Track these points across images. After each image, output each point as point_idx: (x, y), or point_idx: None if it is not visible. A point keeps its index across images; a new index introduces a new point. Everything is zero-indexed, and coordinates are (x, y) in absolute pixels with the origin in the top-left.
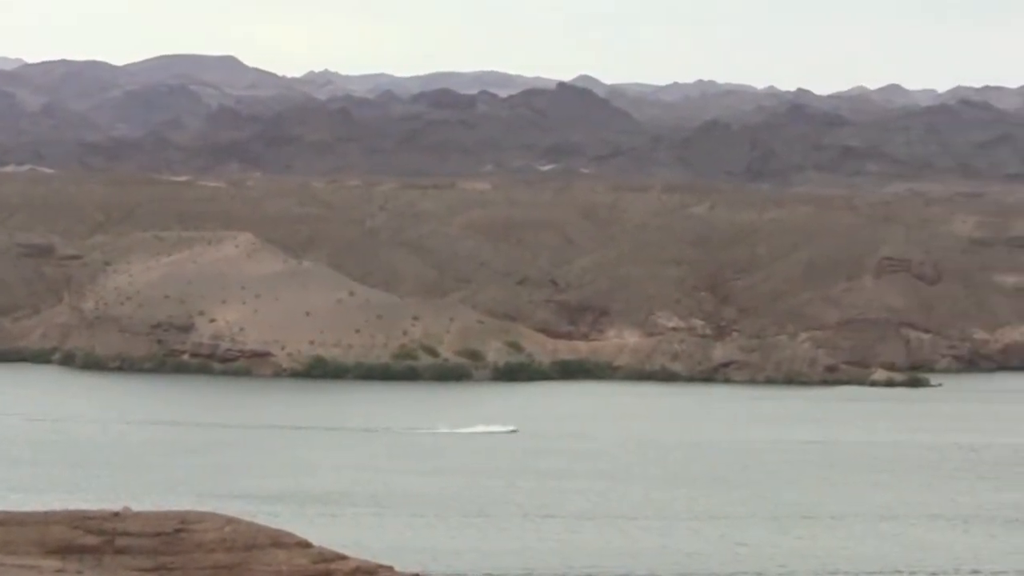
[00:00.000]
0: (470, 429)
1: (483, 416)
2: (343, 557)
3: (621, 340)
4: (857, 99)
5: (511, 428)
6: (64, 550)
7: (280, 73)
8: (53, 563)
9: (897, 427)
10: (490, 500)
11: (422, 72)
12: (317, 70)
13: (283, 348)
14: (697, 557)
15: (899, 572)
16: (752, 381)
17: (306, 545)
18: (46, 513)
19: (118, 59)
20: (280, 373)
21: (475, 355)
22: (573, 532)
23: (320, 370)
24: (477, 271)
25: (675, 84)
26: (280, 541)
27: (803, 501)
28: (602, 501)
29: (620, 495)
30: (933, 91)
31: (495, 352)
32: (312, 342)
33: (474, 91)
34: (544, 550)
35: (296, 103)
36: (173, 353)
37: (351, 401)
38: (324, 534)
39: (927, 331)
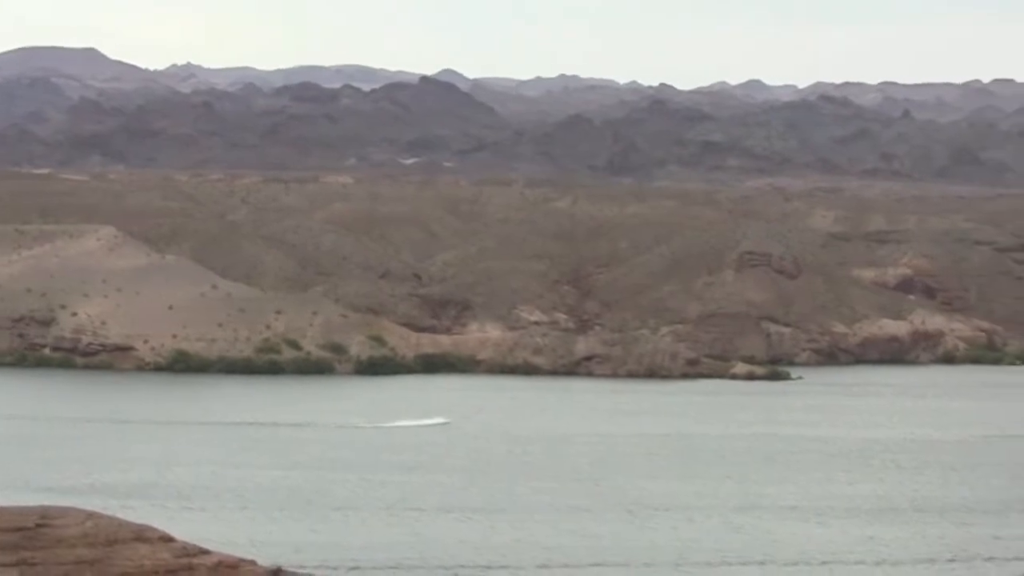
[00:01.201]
0: (399, 423)
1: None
2: (206, 551)
3: (484, 334)
4: (718, 94)
5: (442, 420)
6: None
7: (143, 66)
8: None
9: (756, 420)
10: (351, 493)
11: (285, 66)
12: (180, 63)
13: (146, 342)
14: (557, 550)
15: (753, 563)
16: (614, 375)
17: (168, 540)
18: None
19: None
20: (143, 367)
21: (338, 349)
22: (434, 525)
23: (183, 364)
24: (340, 265)
25: (538, 79)
26: (142, 536)
27: (660, 493)
28: (463, 494)
29: (481, 488)
30: (793, 87)
31: (358, 346)
32: (175, 336)
33: (337, 85)
34: (405, 543)
35: (159, 96)
36: (34, 347)
37: (212, 396)
38: (186, 529)
39: (787, 325)
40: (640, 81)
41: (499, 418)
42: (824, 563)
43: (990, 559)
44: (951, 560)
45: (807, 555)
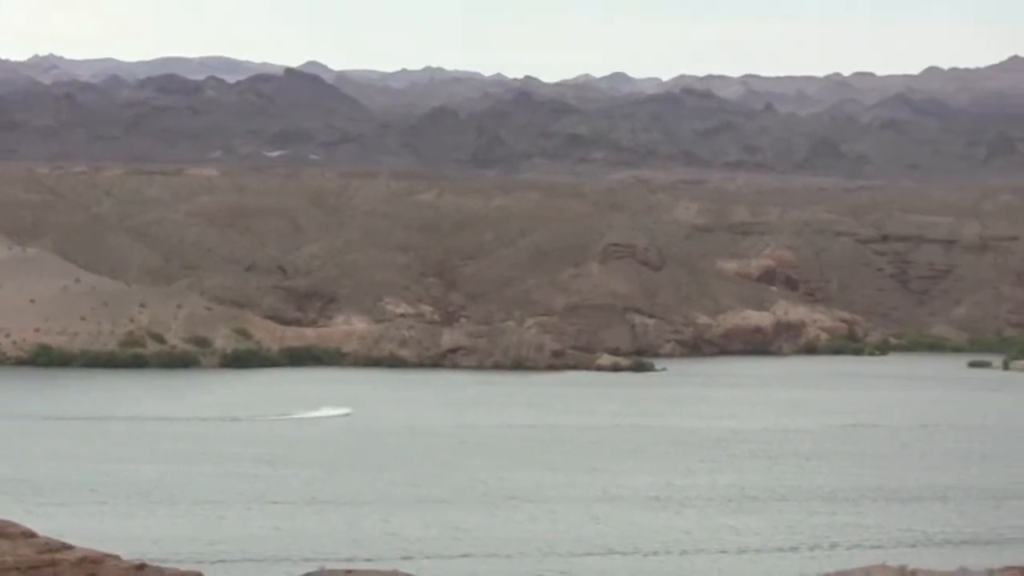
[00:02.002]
0: (311, 414)
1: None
2: (69, 547)
3: (349, 327)
4: (583, 87)
5: (345, 411)
6: None
7: (3, 57)
8: None
9: (620, 411)
10: (216, 487)
11: (149, 57)
12: (42, 54)
13: (7, 336)
14: (422, 542)
15: (616, 553)
16: (480, 366)
17: (31, 535)
18: None
19: None
20: (4, 361)
21: (203, 342)
22: (295, 518)
23: (45, 358)
24: (204, 258)
25: (403, 71)
26: (3, 531)
27: (525, 485)
28: (325, 487)
29: (342, 481)
30: (657, 80)
31: (223, 339)
32: (37, 330)
33: (201, 77)
34: (269, 536)
35: (20, 87)
36: None
37: (75, 390)
38: (48, 525)
39: (652, 316)
40: (505, 74)
41: (366, 411)
42: (685, 552)
43: (851, 547)
44: (812, 548)
45: (669, 544)
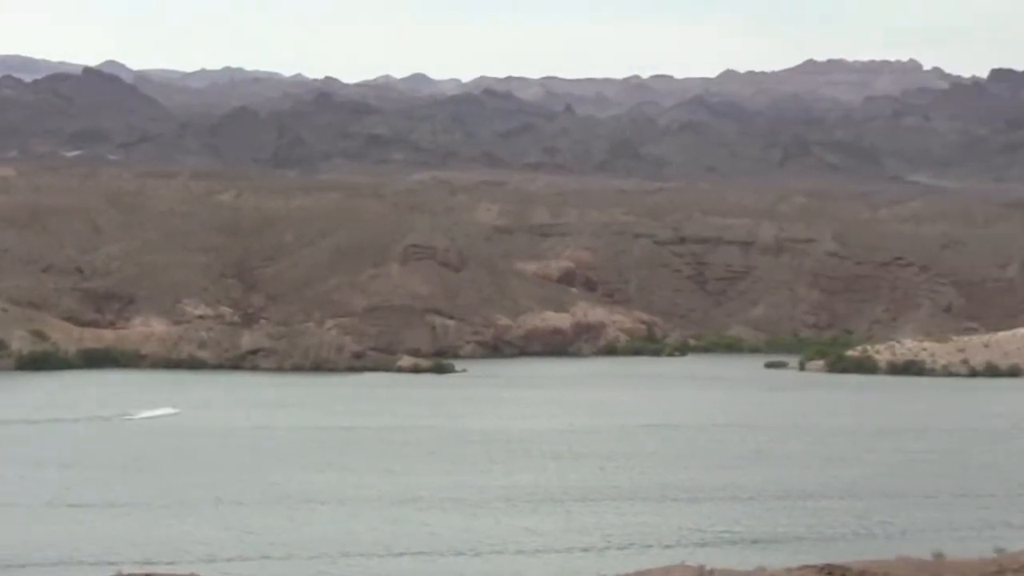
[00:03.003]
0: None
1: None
2: None
3: (148, 328)
4: (384, 88)
5: (172, 411)
6: None
7: None
8: None
9: (420, 413)
10: (7, 490)
11: None
12: None
13: None
14: (220, 544)
15: (411, 555)
16: (280, 368)
17: None
18: None
19: None
20: None
21: None
22: (87, 522)
23: None
24: (0, 258)
25: (203, 70)
26: None
27: (322, 486)
28: (124, 489)
29: (142, 483)
30: (458, 80)
31: (19, 341)
32: None
33: None
34: (64, 540)
35: None
36: None
37: None
38: None
39: (452, 317)
40: (305, 74)
41: (165, 413)
42: (480, 554)
43: (649, 547)
44: (610, 548)
45: (466, 546)
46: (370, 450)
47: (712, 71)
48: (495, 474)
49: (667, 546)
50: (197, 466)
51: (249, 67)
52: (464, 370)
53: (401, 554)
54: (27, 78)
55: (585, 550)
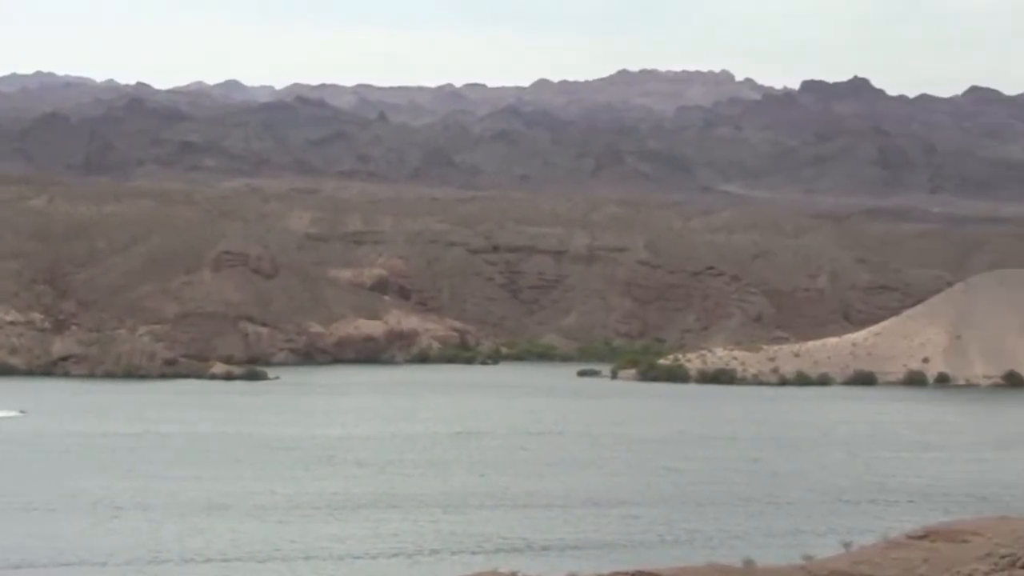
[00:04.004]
0: None
1: None
2: None
3: None
4: (196, 94)
5: (16, 412)
6: None
7: None
8: None
9: (230, 420)
10: None
11: None
12: None
13: None
14: (20, 551)
15: (217, 561)
16: (91, 375)
17: None
18: None
19: None
20: None
21: None
22: None
23: None
24: None
25: (14, 75)
26: None
27: (129, 493)
28: None
29: None
30: (271, 88)
31: None
32: None
33: None
34: None
35: None
36: None
37: None
38: None
39: (265, 325)
40: (117, 79)
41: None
42: (288, 560)
43: (460, 553)
44: (419, 554)
45: (274, 552)
46: (180, 457)
47: (525, 80)
48: (304, 481)
49: (477, 552)
50: (4, 472)
51: (60, 72)
52: (277, 377)
53: (209, 560)
54: None
55: (393, 556)
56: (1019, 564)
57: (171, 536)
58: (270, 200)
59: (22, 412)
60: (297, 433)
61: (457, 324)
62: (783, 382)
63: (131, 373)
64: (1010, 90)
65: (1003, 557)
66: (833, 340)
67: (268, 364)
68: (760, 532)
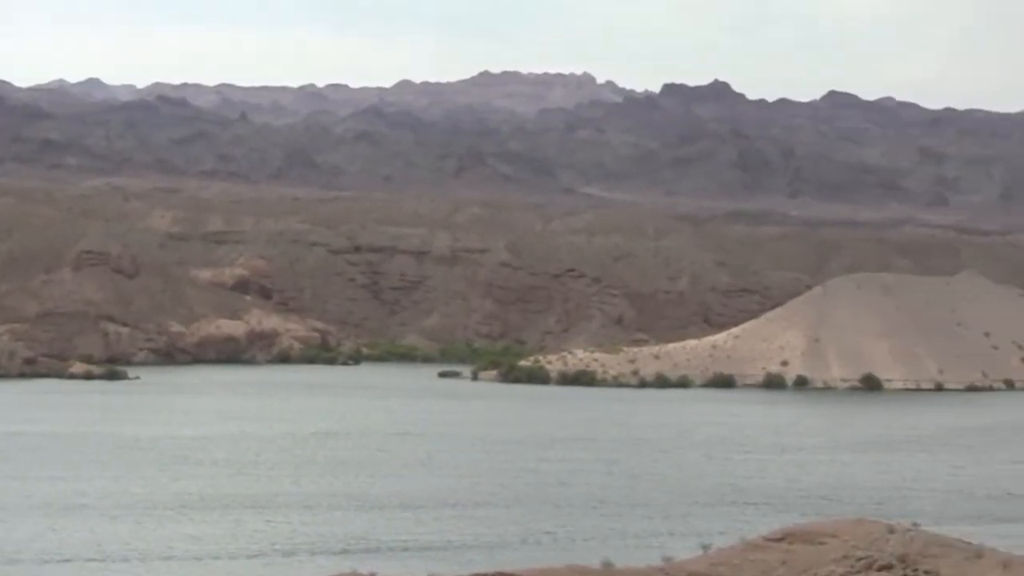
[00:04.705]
0: None
1: None
2: None
3: None
4: (57, 92)
5: None
6: None
7: None
8: None
9: (89, 419)
10: None
11: None
12: None
13: None
14: None
15: (78, 561)
16: None
17: None
18: None
19: None
20: None
21: None
22: None
23: None
24: None
25: None
26: None
27: None
28: None
29: None
30: (132, 87)
31: None
32: None
33: None
34: None
35: None
36: None
37: None
38: None
39: (125, 324)
40: None
41: None
42: (147, 560)
43: (317, 554)
44: (274, 554)
45: (132, 553)
46: (38, 456)
47: (388, 81)
48: (163, 481)
49: (336, 553)
50: None
51: None
52: (137, 377)
53: (68, 560)
54: None
55: (252, 557)
56: (875, 566)
57: (29, 536)
58: (131, 199)
59: None
60: (156, 433)
61: (318, 324)
62: (643, 384)
63: None
64: (867, 95)
65: (859, 559)
66: (693, 342)
67: (128, 364)
68: (618, 533)
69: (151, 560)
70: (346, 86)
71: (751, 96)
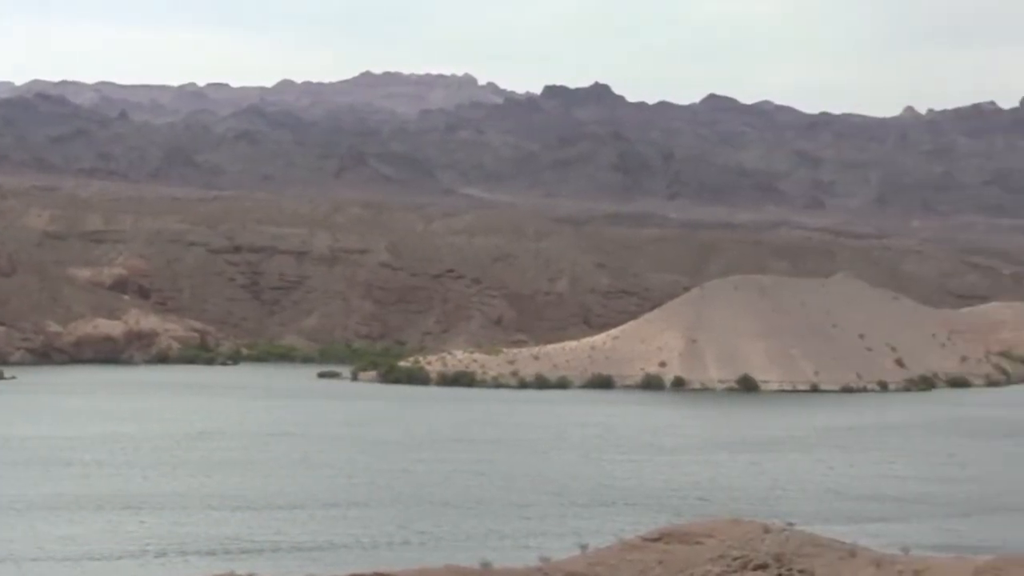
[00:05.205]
0: None
1: None
2: None
3: None
4: None
5: None
6: None
7: None
8: None
9: None
10: None
11: None
12: None
13: None
14: None
15: None
16: None
17: None
18: None
19: None
20: None
21: None
22: None
23: None
24: None
25: None
26: None
27: None
28: None
29: None
30: (10, 84)
31: None
32: None
33: None
34: None
35: None
36: None
37: None
38: None
39: (2, 324)
40: None
41: None
42: (16, 561)
43: (192, 554)
44: (148, 555)
45: (1, 554)
46: None
47: (269, 81)
48: (36, 481)
49: (213, 554)
50: None
51: None
52: (13, 377)
53: None
54: None
55: (126, 558)
56: (751, 566)
57: None
58: (8, 197)
59: None
60: (29, 433)
61: (197, 324)
62: (523, 385)
63: None
64: (746, 99)
65: (735, 559)
66: (572, 343)
67: (4, 363)
68: (496, 534)
69: (23, 561)
70: (227, 85)
71: (631, 99)
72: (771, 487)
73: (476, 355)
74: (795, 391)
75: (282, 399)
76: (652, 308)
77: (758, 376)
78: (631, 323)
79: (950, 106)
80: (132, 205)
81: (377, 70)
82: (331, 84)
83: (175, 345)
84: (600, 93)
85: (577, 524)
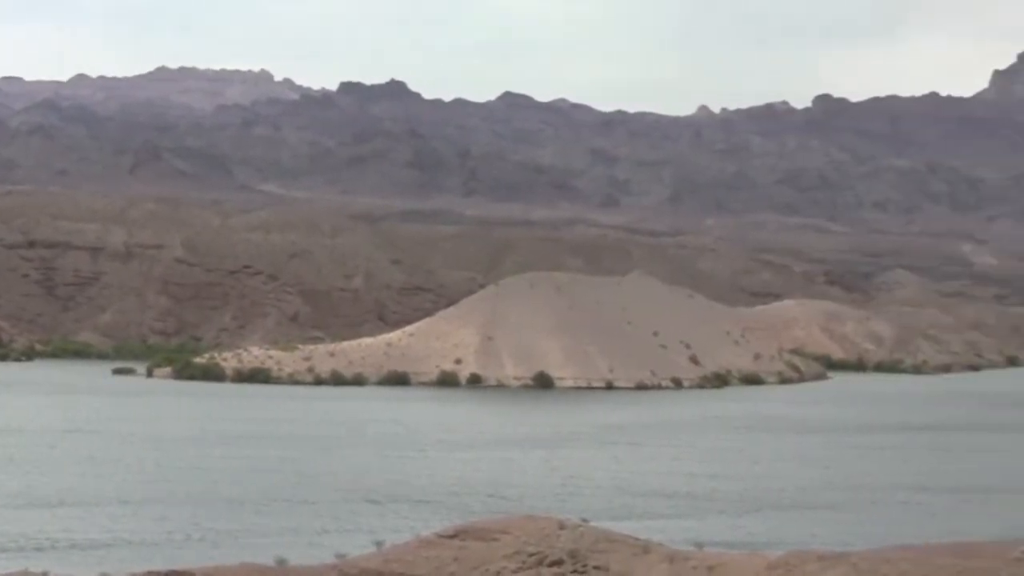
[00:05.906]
0: None
1: None
2: None
3: None
4: None
5: None
6: None
7: None
8: None
9: None
10: None
11: None
12: None
13: None
14: None
15: None
16: None
17: None
18: None
19: None
20: None
21: None
22: None
23: None
24: None
25: None
26: None
27: None
28: None
29: None
30: None
31: None
32: None
33: None
34: None
35: None
36: None
37: None
38: None
39: None
40: None
41: None
42: None
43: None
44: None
45: None
46: None
47: (64, 75)
48: None
49: (4, 550)
50: None
51: None
52: None
53: None
54: None
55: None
56: (546, 562)
57: None
58: None
59: None
60: None
61: None
62: (319, 381)
63: None
64: (542, 96)
65: (531, 555)
66: (368, 340)
67: None
68: (290, 531)
69: None
70: (21, 79)
71: (427, 96)
72: (564, 483)
73: (272, 352)
74: (590, 388)
75: (76, 396)
76: (448, 305)
77: (553, 373)
78: (427, 320)
79: (744, 105)
80: None
81: (173, 65)
82: (127, 79)
83: None
84: (396, 90)
85: (373, 521)
